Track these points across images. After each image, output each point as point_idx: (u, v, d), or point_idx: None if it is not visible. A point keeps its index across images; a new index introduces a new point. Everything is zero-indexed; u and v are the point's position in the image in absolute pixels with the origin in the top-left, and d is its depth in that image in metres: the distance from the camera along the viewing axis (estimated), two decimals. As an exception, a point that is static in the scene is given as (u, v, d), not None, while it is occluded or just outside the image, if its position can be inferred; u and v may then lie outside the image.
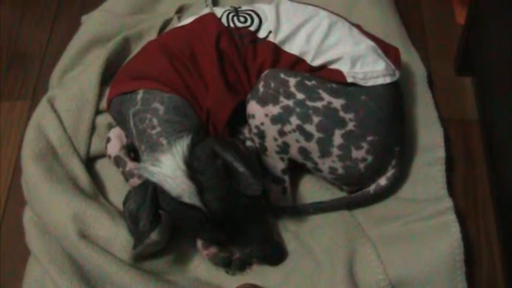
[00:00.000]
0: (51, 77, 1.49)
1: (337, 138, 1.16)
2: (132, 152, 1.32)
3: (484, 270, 1.21)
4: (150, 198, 1.09)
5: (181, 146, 1.07)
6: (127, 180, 1.29)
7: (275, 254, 1.19)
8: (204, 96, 1.22)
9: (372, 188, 1.22)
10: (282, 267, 1.20)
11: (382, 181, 1.21)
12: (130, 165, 1.29)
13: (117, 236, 1.19)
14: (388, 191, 1.23)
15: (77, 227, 1.19)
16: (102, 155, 1.36)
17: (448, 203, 1.20)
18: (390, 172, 1.21)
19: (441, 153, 1.28)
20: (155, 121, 1.17)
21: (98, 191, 1.30)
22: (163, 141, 1.15)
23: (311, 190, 1.27)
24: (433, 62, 1.46)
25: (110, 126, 1.36)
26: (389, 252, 1.16)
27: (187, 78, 1.22)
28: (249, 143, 1.27)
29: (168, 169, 1.06)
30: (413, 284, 1.14)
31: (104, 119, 1.37)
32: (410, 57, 1.41)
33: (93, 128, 1.36)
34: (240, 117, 1.24)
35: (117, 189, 1.30)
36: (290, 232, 1.23)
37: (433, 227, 1.17)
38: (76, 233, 1.19)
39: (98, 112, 1.38)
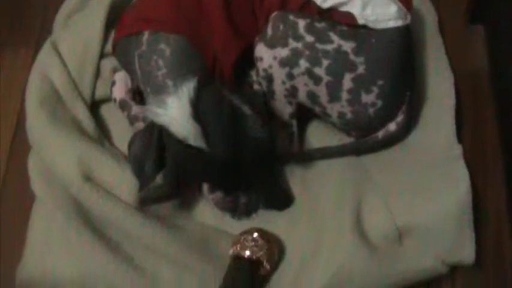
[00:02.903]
0: (55, 22, 1.44)
1: (347, 82, 1.14)
2: (138, 95, 1.30)
3: (491, 218, 1.19)
4: (155, 141, 1.08)
5: (188, 88, 1.06)
6: (132, 124, 1.27)
7: (281, 200, 1.18)
8: (210, 40, 1.19)
9: (380, 134, 1.20)
10: (288, 212, 1.19)
11: (391, 127, 1.19)
12: (135, 108, 1.27)
13: (122, 179, 1.18)
14: (397, 137, 1.21)
15: (82, 171, 1.18)
16: (107, 100, 1.33)
17: (458, 149, 1.18)
18: (400, 118, 1.19)
19: (451, 100, 1.25)
20: (161, 63, 1.15)
21: (102, 135, 1.28)
22: (169, 83, 1.13)
23: (319, 135, 1.26)
24: (444, 11, 1.42)
25: (115, 70, 1.32)
26: (397, 199, 1.15)
27: (193, 21, 1.19)
28: (256, 87, 1.25)
29: (174, 111, 1.05)
30: (421, 232, 1.12)
31: (109, 62, 1.33)
32: (422, 2, 1.38)
33: (97, 72, 1.33)
34: (247, 61, 1.21)
35: (122, 133, 1.28)
36: (296, 178, 1.22)
37: (442, 174, 1.15)
38: (81, 177, 1.18)
39: (102, 56, 1.34)
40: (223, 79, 1.18)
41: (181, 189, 1.22)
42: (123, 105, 1.29)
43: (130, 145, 1.12)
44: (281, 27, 1.14)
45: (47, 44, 1.35)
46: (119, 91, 1.30)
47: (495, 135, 1.26)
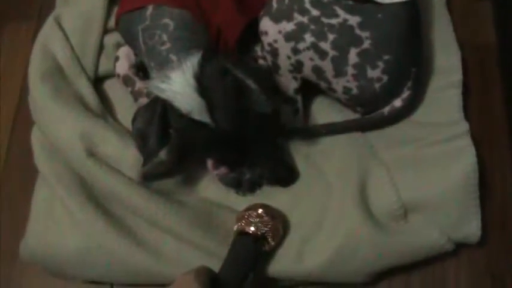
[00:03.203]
0: (58, -4, 1.46)
1: (353, 57, 1.13)
2: (141, 71, 1.30)
3: (497, 195, 1.18)
4: (159, 116, 1.07)
5: (192, 63, 1.05)
6: (136, 99, 1.27)
7: (286, 175, 1.18)
8: (214, 14, 1.18)
9: (386, 110, 1.19)
10: (293, 188, 1.19)
11: (397, 103, 1.18)
12: (139, 84, 1.27)
13: (125, 154, 1.18)
14: (403, 114, 1.20)
15: (85, 146, 1.19)
16: (111, 75, 1.33)
17: (464, 126, 1.17)
18: (406, 94, 1.18)
19: (458, 76, 1.23)
20: (165, 37, 1.14)
21: (106, 110, 1.28)
22: (173, 58, 1.12)
23: (324, 111, 1.25)
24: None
25: (118, 45, 1.32)
26: (402, 175, 1.13)
27: None
28: (261, 62, 1.24)
29: (178, 86, 1.05)
30: (426, 208, 1.11)
31: (112, 38, 1.33)
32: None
33: (101, 47, 1.33)
34: (252, 35, 1.20)
35: (126, 109, 1.28)
36: (301, 153, 1.21)
37: (448, 151, 1.14)
38: (84, 151, 1.18)
39: (106, 31, 1.34)
40: (228, 52, 1.17)
41: (185, 165, 1.22)
42: (126, 81, 1.29)
43: (134, 120, 1.12)
44: (286, 1, 1.13)
45: (49, 19, 1.34)
46: (122, 67, 1.29)
47: (503, 110, 1.25)
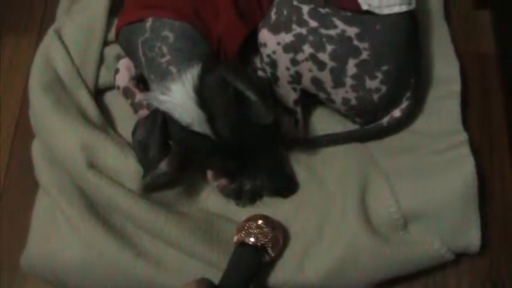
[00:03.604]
0: (58, 9, 1.46)
1: (351, 68, 1.13)
2: (141, 83, 1.30)
3: (497, 204, 1.19)
4: (159, 127, 1.07)
5: (192, 74, 1.05)
6: (136, 111, 1.28)
7: (286, 186, 1.19)
8: (215, 24, 1.19)
9: (385, 120, 1.19)
10: (293, 198, 1.19)
11: (396, 113, 1.19)
12: (139, 96, 1.27)
13: (126, 166, 1.18)
14: (402, 124, 1.21)
15: (86, 157, 1.18)
16: (111, 87, 1.34)
17: (463, 136, 1.17)
18: (405, 104, 1.18)
19: (457, 86, 1.24)
20: (165, 49, 1.14)
21: (106, 122, 1.29)
22: (173, 70, 1.12)
23: (324, 122, 1.25)
24: (450, -6, 1.42)
25: (118, 57, 1.32)
26: (402, 185, 1.13)
27: (198, 5, 1.18)
28: (260, 74, 1.24)
29: (178, 97, 1.05)
30: (426, 218, 1.11)
31: (113, 50, 1.34)
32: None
33: (101, 60, 1.34)
34: (251, 47, 1.21)
35: (126, 121, 1.28)
36: (302, 164, 1.21)
37: (447, 161, 1.14)
38: (85, 163, 1.18)
39: (106, 43, 1.35)
40: (228, 64, 1.16)
41: (186, 176, 1.22)
42: (126, 93, 1.29)
43: (134, 132, 1.12)
44: (285, 12, 1.13)
45: (50, 31, 1.34)
46: (122, 79, 1.29)
47: (502, 119, 1.26)
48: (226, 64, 1.16)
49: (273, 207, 1.18)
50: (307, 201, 1.18)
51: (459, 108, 1.22)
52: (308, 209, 1.17)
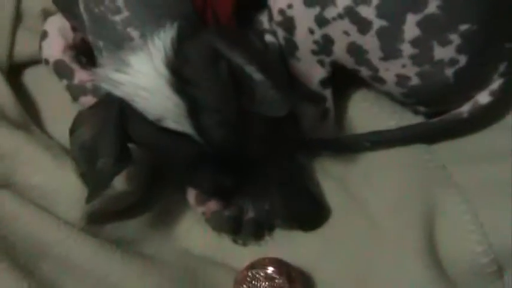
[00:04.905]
0: None
1: (411, 28, 1.12)
2: (83, 55, 1.31)
3: None
4: (113, 124, 1.07)
5: (164, 41, 1.04)
6: (76, 98, 1.28)
7: (310, 213, 1.18)
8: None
9: (465, 109, 1.19)
10: (321, 233, 1.18)
11: (483, 98, 1.18)
12: (80, 74, 1.28)
13: (60, 184, 1.18)
14: (492, 115, 1.21)
15: (-3, 172, 1.19)
16: (35, 61, 1.36)
17: None
18: (496, 84, 1.18)
19: None
20: (120, 1, 1.12)
21: (28, 116, 1.29)
22: (134, 34, 1.11)
23: (367, 114, 1.26)
24: None
25: (45, 14, 1.34)
26: (491, 211, 1.13)
27: None
28: (269, 38, 1.23)
29: (143, 77, 1.04)
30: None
31: (36, 2, 1.37)
32: None
33: (17, 18, 1.37)
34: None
35: (59, 113, 1.29)
36: (334, 179, 1.22)
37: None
38: (-5, 183, 1.18)
39: (25, -7, 1.37)
40: (220, 26, 1.17)
41: (154, 199, 1.23)
42: (60, 70, 1.30)
43: (74, 130, 1.11)
44: None
45: None
46: (54, 48, 1.31)
47: None
48: (217, 27, 1.16)
49: (291, 246, 1.18)
50: (343, 235, 1.17)
51: None
52: (343, 250, 1.16)
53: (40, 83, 1.34)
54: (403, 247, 1.12)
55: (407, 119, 1.24)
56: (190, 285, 1.14)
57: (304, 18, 1.15)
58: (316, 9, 1.14)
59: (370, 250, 1.15)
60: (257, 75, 1.02)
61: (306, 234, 1.18)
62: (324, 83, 1.21)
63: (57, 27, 1.30)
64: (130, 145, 1.09)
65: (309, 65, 1.19)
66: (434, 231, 1.13)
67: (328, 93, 1.22)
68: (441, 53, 1.14)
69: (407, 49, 1.14)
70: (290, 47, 1.19)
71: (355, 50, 1.16)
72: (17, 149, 1.20)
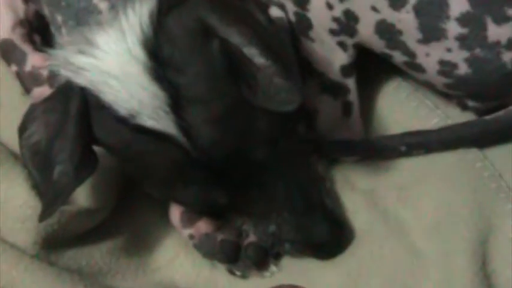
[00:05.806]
0: None
1: (458, 2, 1.13)
2: (38, 33, 1.35)
3: None
4: (74, 121, 1.08)
5: (139, 15, 1.06)
6: (28, 89, 1.31)
7: (327, 236, 1.18)
8: None
9: None
10: (343, 262, 1.20)
11: None
12: (34, 58, 1.30)
13: (8, 197, 1.19)
14: None
15: None
16: None
17: None
18: None
19: None
20: None
21: None
22: (102, 5, 1.14)
23: (402, 109, 1.28)
24: None
25: None
26: None
27: None
28: (275, 12, 1.23)
29: (112, 61, 1.05)
30: None
31: None
32: None
33: None
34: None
35: (7, 108, 1.33)
36: (360, 192, 1.24)
37: None
38: None
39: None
40: None
41: (129, 218, 1.25)
42: (9, 53, 1.33)
43: (24, 130, 1.13)
44: None
45: None
46: (0, 24, 1.34)
47: None
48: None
49: (303, 278, 1.18)
50: (371, 266, 1.18)
51: None
52: (372, 283, 1.17)
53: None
54: (449, 279, 1.14)
55: (453, 116, 1.25)
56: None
57: (320, -12, 1.15)
58: (337, -23, 1.14)
59: (407, 282, 1.16)
60: (259, 59, 1.02)
61: (323, 263, 1.19)
62: (345, 70, 1.22)
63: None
64: (95, 148, 1.10)
65: (327, 47, 1.21)
66: (487, 259, 1.15)
67: (351, 82, 1.23)
68: (497, 32, 1.14)
69: (453, 28, 1.14)
70: (302, 25, 1.20)
71: (386, 30, 1.16)
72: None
